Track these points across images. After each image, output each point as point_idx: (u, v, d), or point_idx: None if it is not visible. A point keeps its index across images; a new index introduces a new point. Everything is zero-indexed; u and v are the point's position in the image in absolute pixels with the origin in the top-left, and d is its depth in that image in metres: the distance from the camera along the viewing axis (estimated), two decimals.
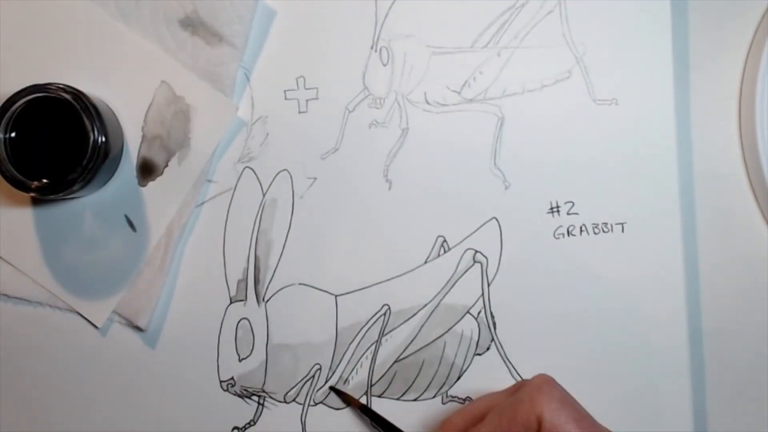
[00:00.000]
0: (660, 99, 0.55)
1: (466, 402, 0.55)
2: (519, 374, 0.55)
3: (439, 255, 0.55)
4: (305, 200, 0.55)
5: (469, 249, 0.55)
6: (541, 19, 0.55)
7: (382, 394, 0.56)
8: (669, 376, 0.55)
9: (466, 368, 0.55)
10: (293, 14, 0.55)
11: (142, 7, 0.55)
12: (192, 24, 0.55)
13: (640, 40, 0.55)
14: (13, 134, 0.50)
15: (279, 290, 0.55)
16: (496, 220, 0.55)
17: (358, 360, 0.55)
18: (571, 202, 0.55)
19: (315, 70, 0.55)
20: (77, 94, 0.50)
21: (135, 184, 0.55)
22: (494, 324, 0.55)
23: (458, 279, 0.55)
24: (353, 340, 0.55)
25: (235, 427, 0.55)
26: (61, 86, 0.50)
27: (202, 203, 0.55)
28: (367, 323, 0.55)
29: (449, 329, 0.55)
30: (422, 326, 0.55)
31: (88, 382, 0.55)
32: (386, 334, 0.55)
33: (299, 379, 0.55)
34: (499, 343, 0.55)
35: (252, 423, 0.55)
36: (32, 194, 0.50)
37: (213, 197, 0.55)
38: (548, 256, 0.55)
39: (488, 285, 0.55)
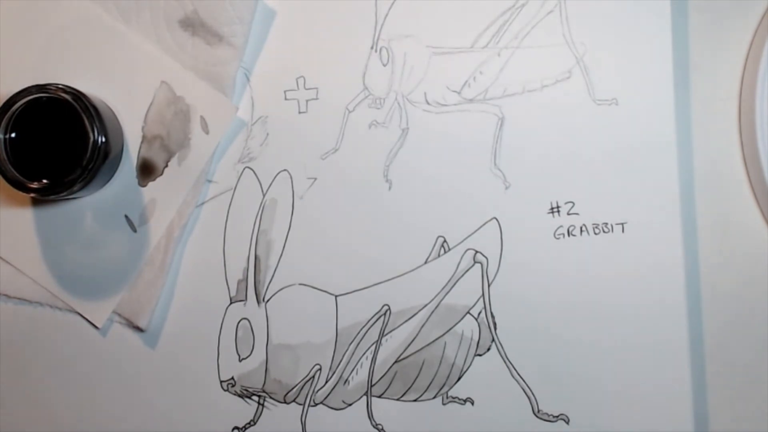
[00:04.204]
0: (660, 99, 0.55)
1: (467, 403, 0.55)
2: (519, 375, 0.55)
3: (439, 255, 0.55)
4: (305, 200, 0.55)
5: (469, 249, 0.55)
6: (541, 19, 0.55)
7: (382, 394, 0.56)
8: (669, 376, 0.55)
9: (467, 369, 0.55)
10: (293, 14, 0.55)
11: (142, 7, 0.55)
12: (192, 24, 0.55)
13: (640, 40, 0.55)
14: (13, 134, 0.50)
15: (279, 290, 0.55)
16: (497, 220, 0.55)
17: (358, 360, 0.55)
18: (572, 202, 0.55)
19: (315, 70, 0.55)
20: (77, 95, 0.50)
21: (135, 184, 0.55)
22: (495, 324, 0.55)
23: (458, 279, 0.55)
24: (353, 340, 0.55)
25: (235, 427, 0.55)
26: (61, 86, 0.50)
27: (202, 203, 0.55)
28: (367, 323, 0.55)
29: (449, 329, 0.55)
30: (422, 326, 0.55)
31: (88, 382, 0.55)
32: (386, 334, 0.55)
33: (299, 380, 0.55)
34: (500, 343, 0.55)
35: (252, 423, 0.55)
36: (32, 194, 0.50)
37: (213, 197, 0.55)
38: (548, 256, 0.55)
39: (489, 285, 0.55)
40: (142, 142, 0.55)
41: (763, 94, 0.55)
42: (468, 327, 0.55)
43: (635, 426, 0.55)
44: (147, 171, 0.55)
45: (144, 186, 0.55)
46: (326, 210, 0.55)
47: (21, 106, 0.50)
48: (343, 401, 0.56)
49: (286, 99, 0.56)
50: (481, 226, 0.55)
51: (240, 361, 0.55)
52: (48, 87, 0.50)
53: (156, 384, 0.55)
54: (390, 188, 0.56)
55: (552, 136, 0.55)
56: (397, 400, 0.56)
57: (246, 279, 0.55)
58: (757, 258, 0.56)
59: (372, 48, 0.55)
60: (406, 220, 0.55)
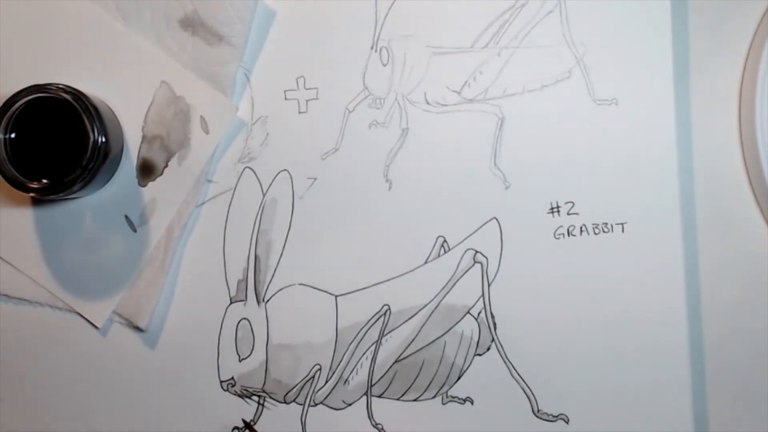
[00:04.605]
0: (660, 99, 0.55)
1: (467, 402, 0.55)
2: (519, 375, 0.55)
3: (439, 255, 0.55)
4: (305, 200, 0.55)
5: (469, 249, 0.55)
6: (541, 19, 0.55)
7: (382, 394, 0.56)
8: (669, 376, 0.55)
9: (467, 368, 0.55)
10: (293, 14, 0.55)
11: (142, 7, 0.55)
12: (192, 24, 0.55)
13: (640, 41, 0.55)
14: (13, 134, 0.50)
15: (279, 290, 0.55)
16: (497, 220, 0.55)
17: (358, 360, 0.55)
18: (572, 202, 0.55)
19: (315, 70, 0.55)
20: (77, 95, 0.50)
21: (135, 184, 0.55)
22: (494, 324, 0.55)
23: (458, 279, 0.55)
24: (353, 340, 0.55)
25: (235, 427, 0.55)
26: (61, 86, 0.50)
27: (202, 203, 0.55)
28: (367, 323, 0.55)
29: (449, 329, 0.55)
30: (422, 326, 0.55)
31: (88, 382, 0.55)
32: (386, 334, 0.55)
33: (299, 380, 0.55)
34: (500, 343, 0.55)
35: (252, 423, 0.55)
36: (32, 194, 0.50)
37: (213, 197, 0.55)
38: (548, 256, 0.55)
39: (488, 285, 0.55)
40: (142, 142, 0.55)
41: (763, 94, 0.55)
42: (468, 327, 0.55)
43: (635, 426, 0.55)
44: (147, 171, 0.55)
45: (144, 186, 0.55)
46: (326, 210, 0.55)
47: (21, 106, 0.50)
48: (343, 401, 0.56)
49: (286, 99, 0.56)
50: (481, 226, 0.55)
51: (240, 361, 0.55)
52: (48, 87, 0.50)
53: (156, 384, 0.55)
54: (390, 188, 0.55)
55: (552, 136, 0.55)
56: (397, 399, 0.56)
57: (246, 279, 0.55)
58: (757, 258, 0.56)
59: (372, 48, 0.55)
60: (406, 220, 0.55)
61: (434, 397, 0.56)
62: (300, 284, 0.55)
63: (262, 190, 0.55)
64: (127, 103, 0.55)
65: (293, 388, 0.55)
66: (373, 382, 0.55)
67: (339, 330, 0.55)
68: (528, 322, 0.55)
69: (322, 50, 0.55)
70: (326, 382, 0.55)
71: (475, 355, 0.55)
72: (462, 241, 0.55)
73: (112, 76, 0.55)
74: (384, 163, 0.55)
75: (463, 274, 0.55)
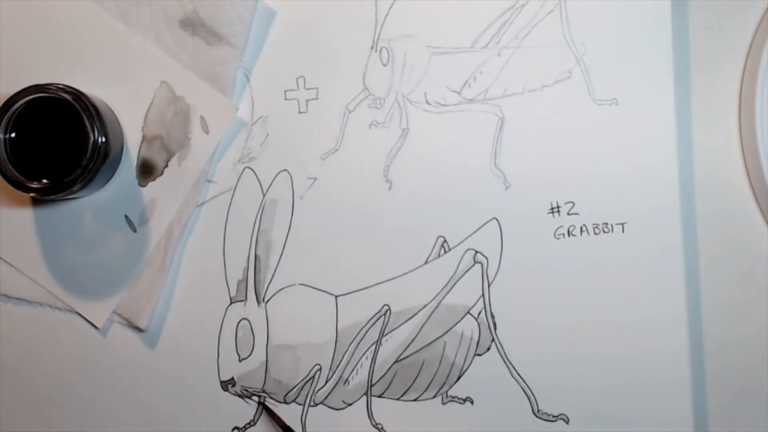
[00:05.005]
0: (660, 99, 0.55)
1: (466, 402, 0.55)
2: (519, 375, 0.55)
3: (439, 255, 0.55)
4: (305, 200, 0.55)
5: (469, 249, 0.55)
6: (542, 19, 0.55)
7: (382, 394, 0.56)
8: (669, 377, 0.55)
9: (467, 368, 0.55)
10: (293, 14, 0.55)
11: (142, 7, 0.55)
12: (192, 24, 0.55)
13: (641, 41, 0.55)
14: (13, 134, 0.50)
15: (279, 290, 0.55)
16: (497, 220, 0.55)
17: (358, 360, 0.55)
18: (572, 202, 0.55)
19: (315, 70, 0.55)
20: (77, 95, 0.50)
21: (135, 184, 0.55)
22: (494, 324, 0.55)
23: (458, 279, 0.55)
24: (353, 340, 0.55)
25: (235, 427, 0.55)
26: (61, 86, 0.50)
27: (202, 203, 0.55)
28: (367, 323, 0.55)
29: (449, 329, 0.55)
30: (422, 326, 0.55)
31: (88, 382, 0.55)
32: (386, 334, 0.55)
33: (299, 380, 0.55)
34: (500, 343, 0.55)
35: (252, 423, 0.55)
36: (32, 194, 0.50)
37: (213, 197, 0.55)
38: (549, 256, 0.55)
39: (489, 285, 0.55)
40: (142, 142, 0.55)
41: (763, 94, 0.55)
42: (468, 327, 0.55)
43: (635, 426, 0.55)
44: (147, 171, 0.55)
45: (144, 186, 0.55)
46: (326, 210, 0.55)
47: (21, 106, 0.50)
48: (343, 401, 0.56)
49: (286, 99, 0.56)
50: (481, 226, 0.55)
51: (240, 361, 0.55)
52: (48, 87, 0.50)
53: (156, 384, 0.55)
54: (390, 188, 0.55)
55: (552, 136, 0.55)
56: (397, 399, 0.56)
57: (246, 279, 0.55)
58: (757, 258, 0.56)
59: (372, 48, 0.55)
60: (406, 220, 0.55)
61: (434, 397, 0.56)
62: (300, 284, 0.55)
63: (262, 190, 0.55)
64: (127, 103, 0.55)
65: (293, 388, 0.55)
66: (373, 382, 0.55)
67: (339, 330, 0.55)
68: (528, 322, 0.55)
69: (322, 50, 0.55)
70: (326, 382, 0.55)
71: (475, 355, 0.55)
72: (462, 241, 0.55)
73: (112, 76, 0.55)
74: (384, 163, 0.55)
75: (463, 274, 0.55)
